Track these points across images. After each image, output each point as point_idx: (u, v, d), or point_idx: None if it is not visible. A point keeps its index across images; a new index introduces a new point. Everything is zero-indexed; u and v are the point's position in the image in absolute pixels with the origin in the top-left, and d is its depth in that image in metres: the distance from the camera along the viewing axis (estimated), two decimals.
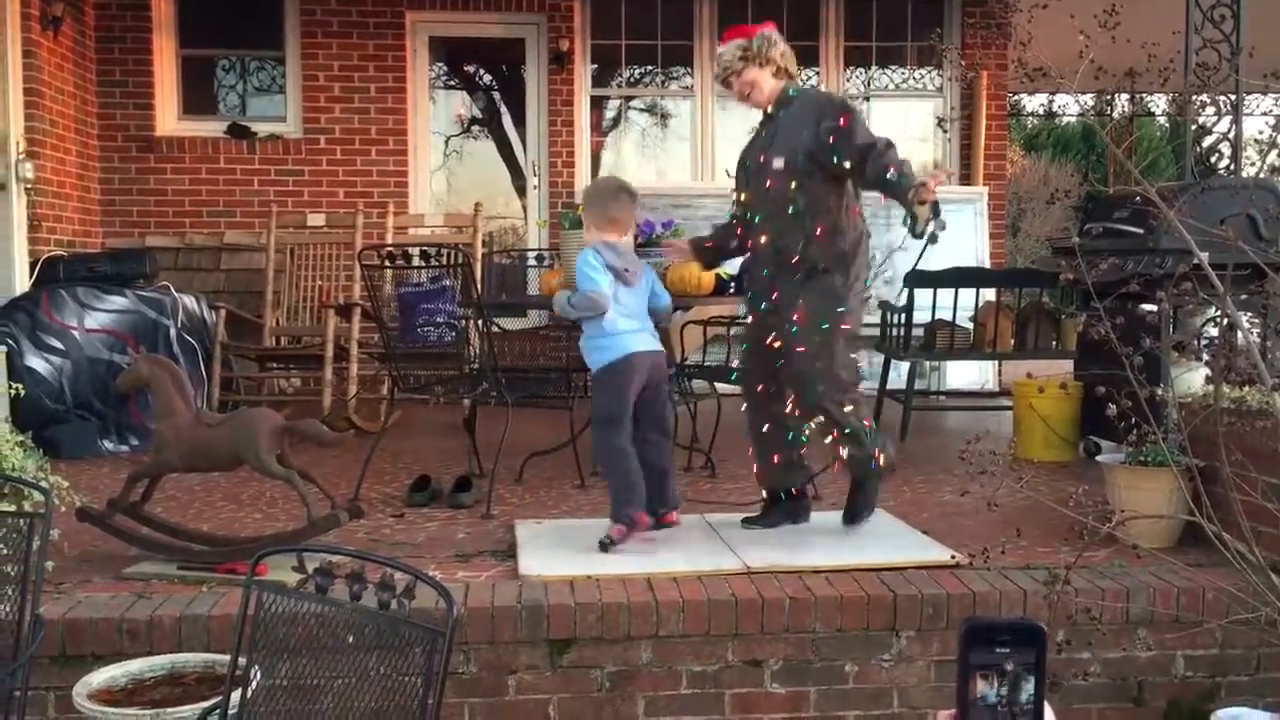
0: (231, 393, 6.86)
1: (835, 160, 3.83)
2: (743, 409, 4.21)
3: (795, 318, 3.91)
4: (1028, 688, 0.99)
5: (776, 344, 3.99)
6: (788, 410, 4.04)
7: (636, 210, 4.08)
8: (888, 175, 3.71)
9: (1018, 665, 0.98)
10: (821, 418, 3.95)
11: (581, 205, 4.12)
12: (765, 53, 3.95)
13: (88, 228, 7.95)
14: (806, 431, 4.02)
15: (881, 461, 4.04)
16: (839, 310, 3.91)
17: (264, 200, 8.11)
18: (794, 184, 3.89)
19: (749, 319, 4.20)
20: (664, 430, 4.07)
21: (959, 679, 0.99)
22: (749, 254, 4.22)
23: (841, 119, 3.83)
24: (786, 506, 4.20)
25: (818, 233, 3.89)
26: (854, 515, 4.12)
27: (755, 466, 4.20)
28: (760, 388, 4.10)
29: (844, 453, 4.00)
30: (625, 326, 3.93)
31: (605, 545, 3.82)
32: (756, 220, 4.01)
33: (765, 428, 4.11)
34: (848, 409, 3.96)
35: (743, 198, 4.09)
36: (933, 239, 3.68)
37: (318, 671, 2.45)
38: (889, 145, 3.79)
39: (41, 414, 5.69)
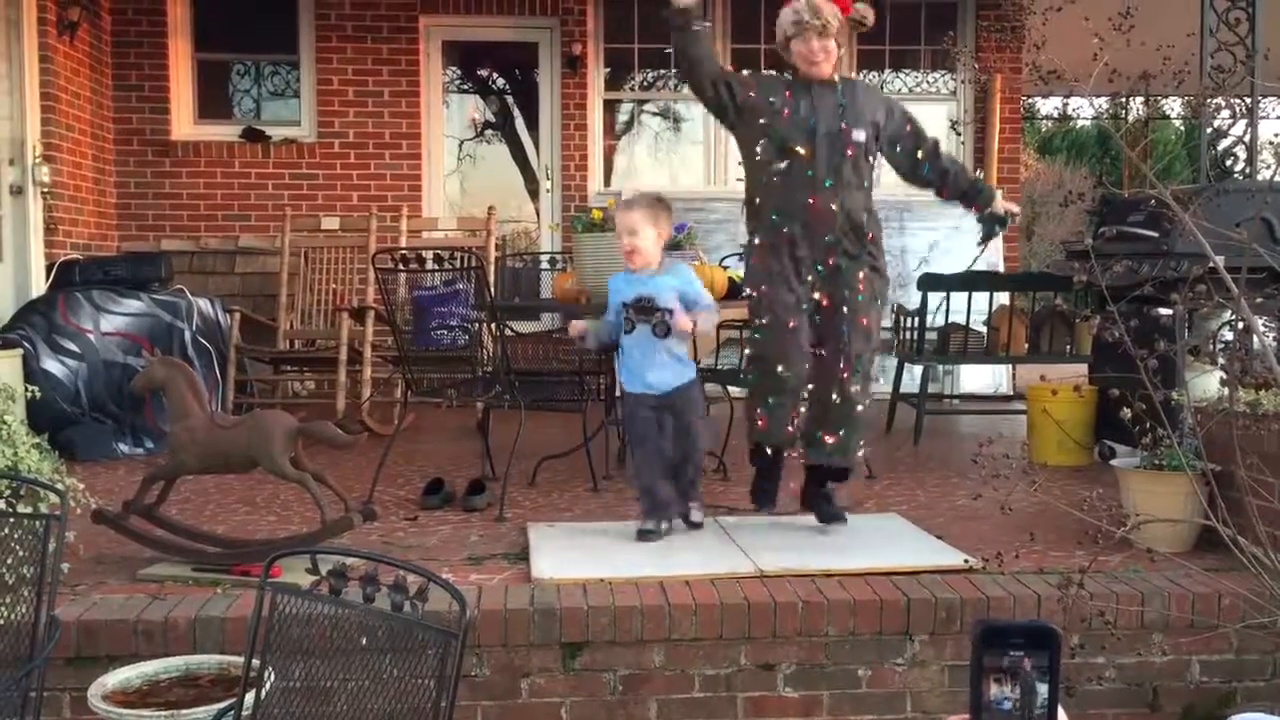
0: (246, 395, 6.88)
1: (906, 148, 4.12)
2: (778, 369, 3.98)
3: (861, 279, 4.01)
4: (1042, 691, 0.98)
5: (817, 297, 4.03)
6: (839, 369, 4.03)
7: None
8: (973, 177, 4.22)
9: (1031, 668, 0.98)
10: (857, 387, 4.03)
11: (647, 213, 4.02)
12: (866, 20, 4.09)
13: (103, 231, 7.99)
14: (847, 398, 4.04)
15: (861, 453, 4.17)
16: (883, 290, 4.14)
17: (278, 204, 8.14)
18: (869, 159, 4.05)
19: (780, 294, 4.01)
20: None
21: (972, 682, 0.99)
22: (795, 213, 4.00)
23: (903, 112, 4.16)
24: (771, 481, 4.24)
25: (875, 211, 4.09)
26: (834, 516, 4.15)
27: (764, 420, 4.06)
28: (810, 349, 4.05)
29: (837, 436, 4.08)
30: (627, 362, 4.12)
31: (642, 533, 4.03)
32: (827, 185, 3.97)
33: (809, 384, 4.06)
34: (871, 388, 4.11)
35: (800, 151, 3.95)
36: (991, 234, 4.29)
37: (331, 673, 2.46)
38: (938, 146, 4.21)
39: (57, 417, 5.71)
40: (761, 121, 4.02)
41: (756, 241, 4.09)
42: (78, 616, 3.23)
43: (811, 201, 3.96)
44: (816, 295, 4.02)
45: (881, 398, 5.45)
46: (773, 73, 4.29)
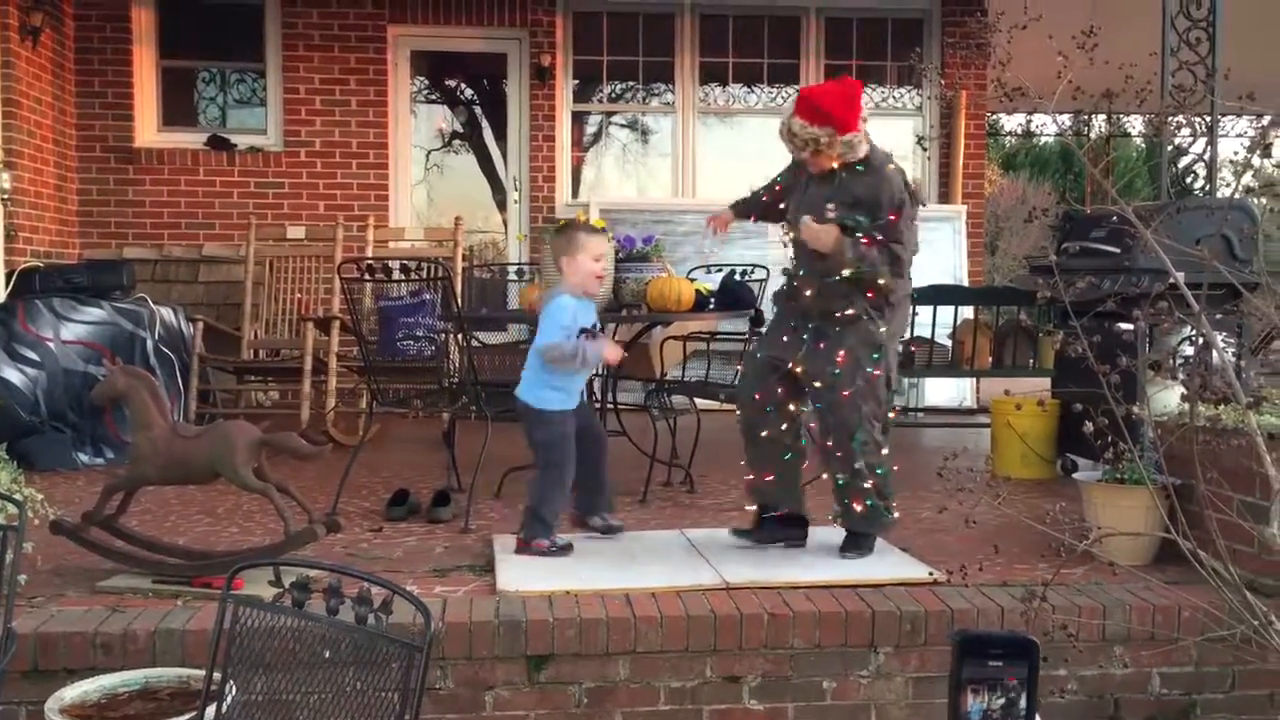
0: (208, 405, 6.82)
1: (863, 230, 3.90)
2: (738, 413, 4.14)
3: (839, 360, 3.90)
4: (1019, 702, 0.99)
5: (792, 367, 3.98)
6: (829, 446, 3.97)
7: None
8: (855, 256, 3.84)
9: (1010, 679, 0.98)
10: (861, 464, 3.92)
11: (557, 251, 4.11)
12: (844, 156, 3.90)
13: (65, 239, 7.91)
14: (842, 477, 3.96)
15: (895, 515, 4.06)
16: (875, 356, 3.94)
17: (243, 212, 8.09)
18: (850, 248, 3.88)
19: (772, 341, 4.10)
20: None
21: (951, 692, 1.00)
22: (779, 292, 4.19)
23: (891, 216, 3.88)
24: (779, 524, 4.13)
25: (869, 295, 3.93)
26: (850, 548, 4.02)
27: (748, 475, 4.18)
28: (758, 396, 4.06)
29: (865, 505, 3.95)
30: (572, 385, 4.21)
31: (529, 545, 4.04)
32: (803, 274, 3.99)
33: (760, 441, 4.07)
34: (885, 451, 3.98)
35: (789, 238, 4.10)
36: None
37: (294, 687, 2.44)
38: (904, 252, 3.93)
39: (16, 426, 5.64)
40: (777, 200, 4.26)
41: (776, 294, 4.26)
42: (35, 629, 3.18)
43: (796, 284, 4.05)
44: (792, 365, 3.99)
45: None
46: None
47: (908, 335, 6.31)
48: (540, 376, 4.12)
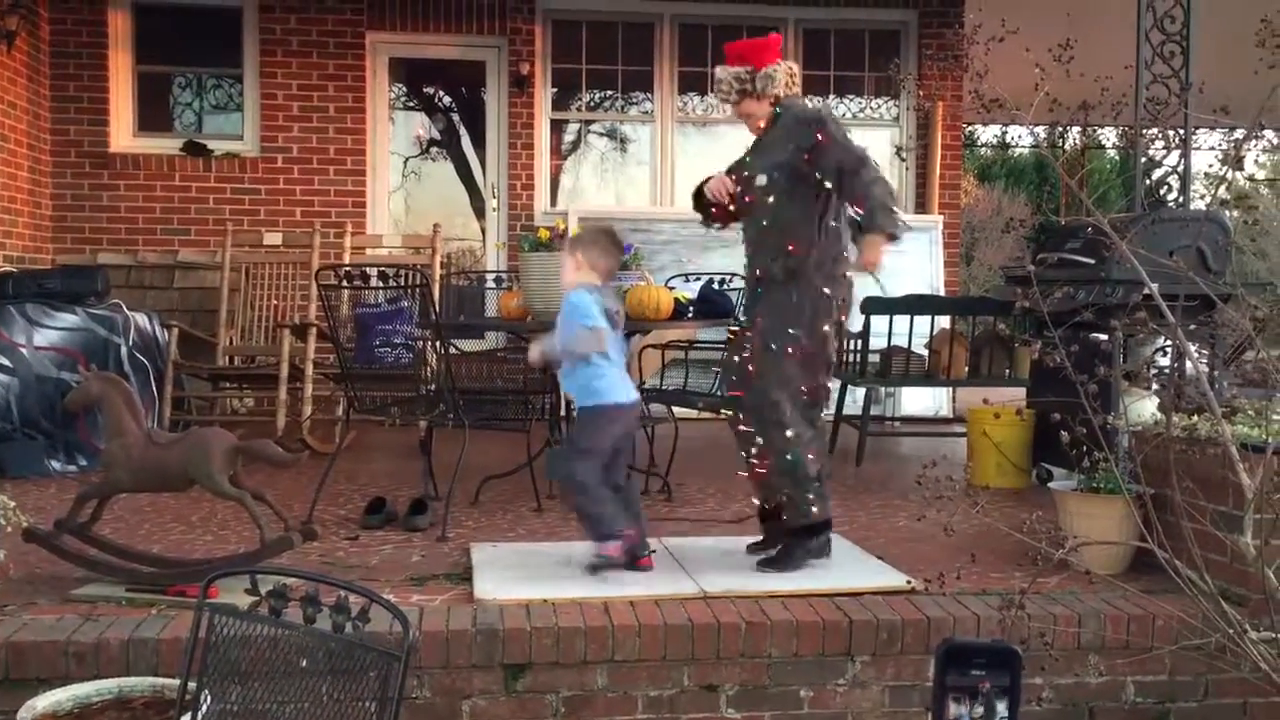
0: (183, 412, 6.78)
1: (819, 178, 3.84)
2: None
3: (749, 333, 3.92)
4: (1001, 710, 0.99)
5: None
6: (740, 431, 3.93)
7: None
8: (855, 210, 3.82)
9: (992, 687, 0.99)
10: (760, 440, 3.86)
11: (573, 245, 3.99)
12: (766, 90, 3.93)
13: (38, 244, 7.85)
14: (746, 453, 3.90)
15: (815, 511, 3.92)
16: (789, 331, 3.85)
17: (219, 218, 8.05)
18: (770, 199, 3.90)
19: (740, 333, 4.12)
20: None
21: (934, 701, 1.00)
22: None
23: (819, 134, 3.83)
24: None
25: (789, 249, 3.85)
26: (772, 564, 3.93)
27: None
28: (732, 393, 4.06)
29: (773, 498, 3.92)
30: (614, 372, 3.91)
31: (597, 567, 3.78)
32: (745, 231, 4.04)
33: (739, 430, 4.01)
34: (790, 434, 3.85)
35: (749, 200, 4.05)
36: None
37: (270, 696, 2.42)
38: (862, 166, 3.78)
39: None
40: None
41: None
42: (7, 637, 3.15)
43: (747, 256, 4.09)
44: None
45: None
46: None
47: (886, 344, 6.35)
48: (582, 375, 3.91)
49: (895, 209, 3.80)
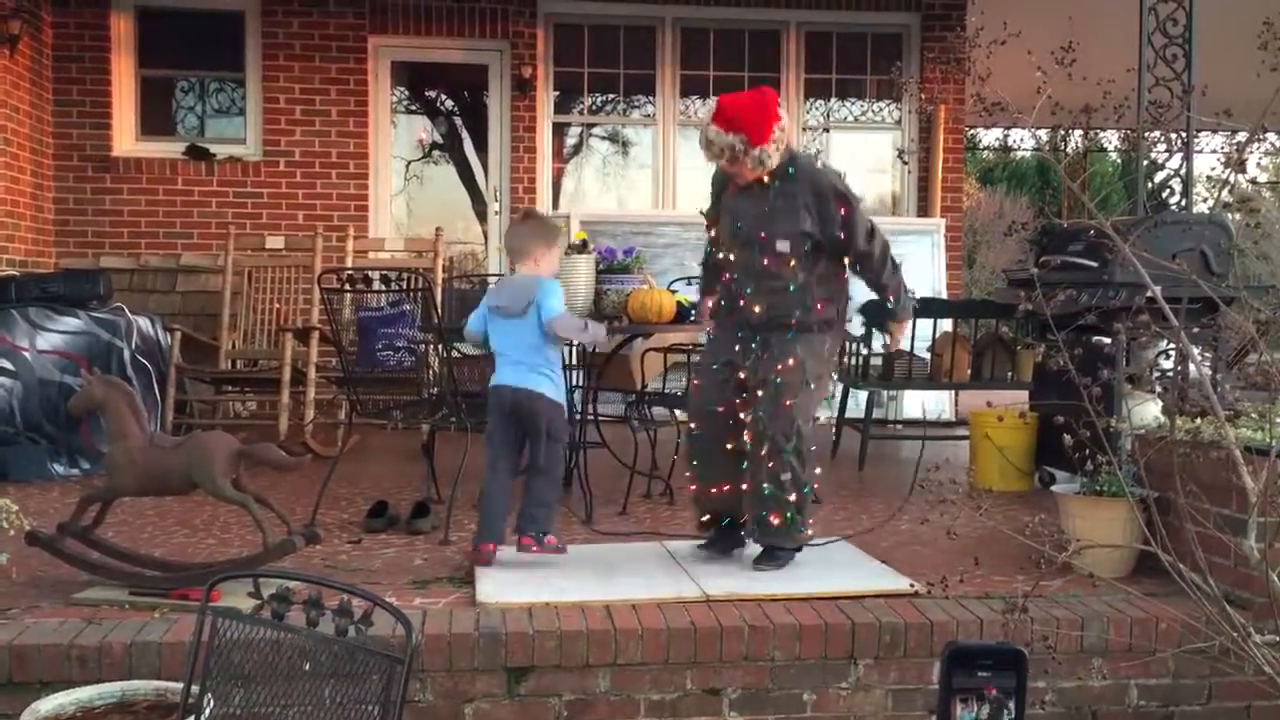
0: (186, 416, 6.78)
1: (839, 253, 3.99)
2: (691, 429, 4.13)
3: (780, 369, 3.90)
4: (1007, 712, 0.99)
5: (742, 376, 3.99)
6: (762, 455, 3.92)
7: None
8: (887, 299, 4.11)
9: (998, 690, 0.99)
10: (788, 475, 3.90)
11: (537, 238, 4.10)
12: (764, 162, 3.88)
13: (41, 248, 7.86)
14: (768, 487, 3.92)
15: (809, 534, 4.04)
16: (821, 371, 4.00)
17: (222, 222, 8.06)
18: (793, 264, 3.92)
19: (721, 349, 4.10)
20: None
21: (940, 703, 1.00)
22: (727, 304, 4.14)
23: (842, 210, 3.92)
24: (733, 529, 4.15)
25: (817, 307, 3.97)
26: (769, 560, 3.98)
27: (694, 488, 4.14)
28: (722, 409, 4.04)
29: (783, 518, 3.92)
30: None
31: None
32: (748, 291, 3.97)
33: (722, 453, 4.05)
34: (808, 462, 3.95)
35: (731, 257, 4.04)
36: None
37: (273, 699, 2.42)
38: (887, 257, 4.02)
39: None
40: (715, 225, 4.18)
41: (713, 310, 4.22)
42: (10, 641, 3.15)
43: (741, 303, 4.03)
44: (741, 373, 4.00)
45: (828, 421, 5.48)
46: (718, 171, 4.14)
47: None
48: (554, 367, 4.08)
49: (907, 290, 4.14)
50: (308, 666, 2.40)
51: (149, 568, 3.81)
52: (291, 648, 2.41)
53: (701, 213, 4.28)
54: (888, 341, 4.25)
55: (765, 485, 3.92)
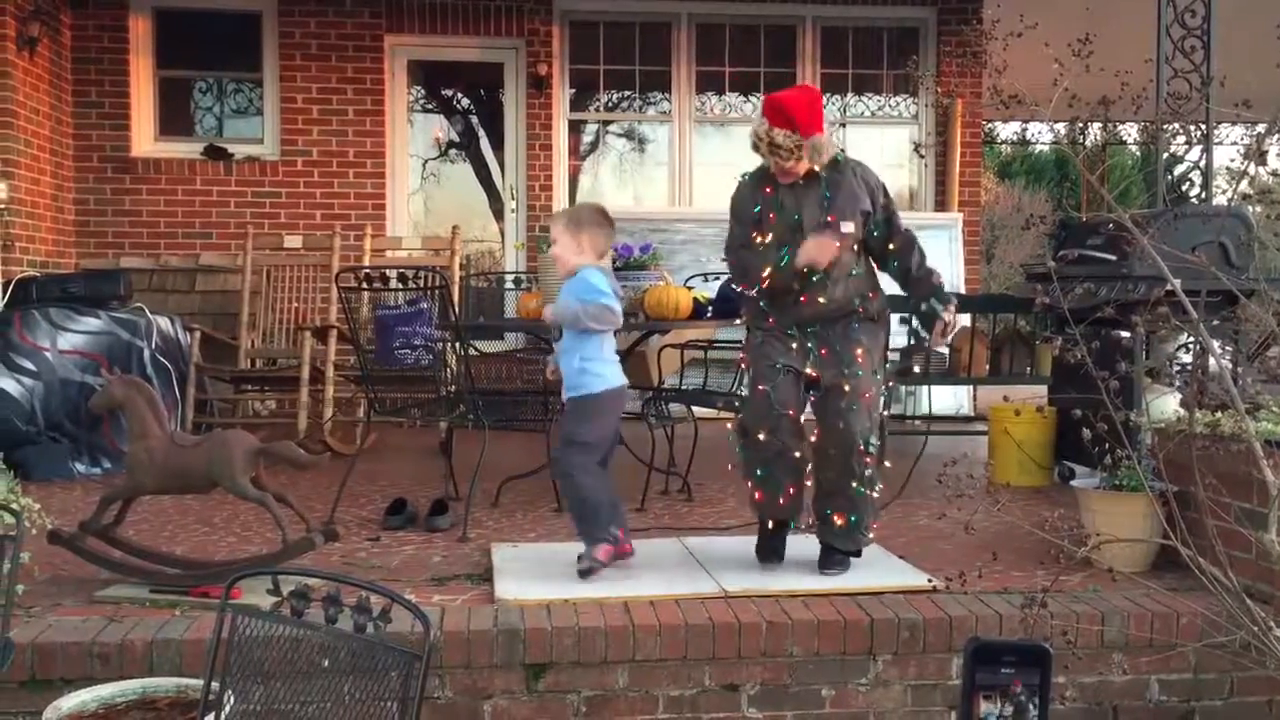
0: (206, 415, 6.81)
1: (876, 234, 3.99)
2: (759, 435, 3.87)
3: (858, 359, 3.86)
4: (1032, 709, 0.99)
5: (812, 373, 3.90)
6: (835, 453, 3.85)
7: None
8: (934, 281, 4.02)
9: (1022, 687, 0.98)
10: (867, 471, 3.84)
11: (568, 225, 3.94)
12: (818, 155, 3.86)
13: (62, 248, 7.91)
14: (847, 484, 3.85)
15: (871, 535, 3.99)
16: (880, 365, 3.99)
17: (240, 222, 8.09)
18: (855, 248, 3.95)
19: (775, 351, 3.93)
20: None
21: (963, 699, 1.00)
22: (783, 298, 3.96)
23: (884, 198, 4.01)
24: (784, 536, 4.06)
25: (871, 295, 4.01)
26: (836, 564, 3.93)
27: (760, 496, 3.98)
28: (793, 413, 3.90)
29: (847, 520, 3.87)
30: (614, 357, 3.94)
31: (586, 573, 3.77)
32: (815, 279, 3.88)
33: (793, 460, 3.90)
34: (879, 467, 3.92)
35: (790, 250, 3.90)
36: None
37: (292, 696, 2.43)
38: (918, 245, 4.06)
39: (12, 436, 5.63)
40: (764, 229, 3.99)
41: (748, 321, 4.11)
42: (33, 639, 3.18)
43: (803, 298, 3.91)
44: (809, 369, 3.90)
45: None
46: (746, 179, 4.06)
47: (906, 343, 6.33)
48: (587, 357, 3.87)
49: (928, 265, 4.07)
50: (326, 663, 2.41)
51: (169, 565, 3.84)
52: (311, 645, 2.42)
53: (739, 228, 4.03)
54: (941, 329, 3.97)
55: (839, 484, 3.86)
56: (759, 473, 3.94)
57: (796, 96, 3.90)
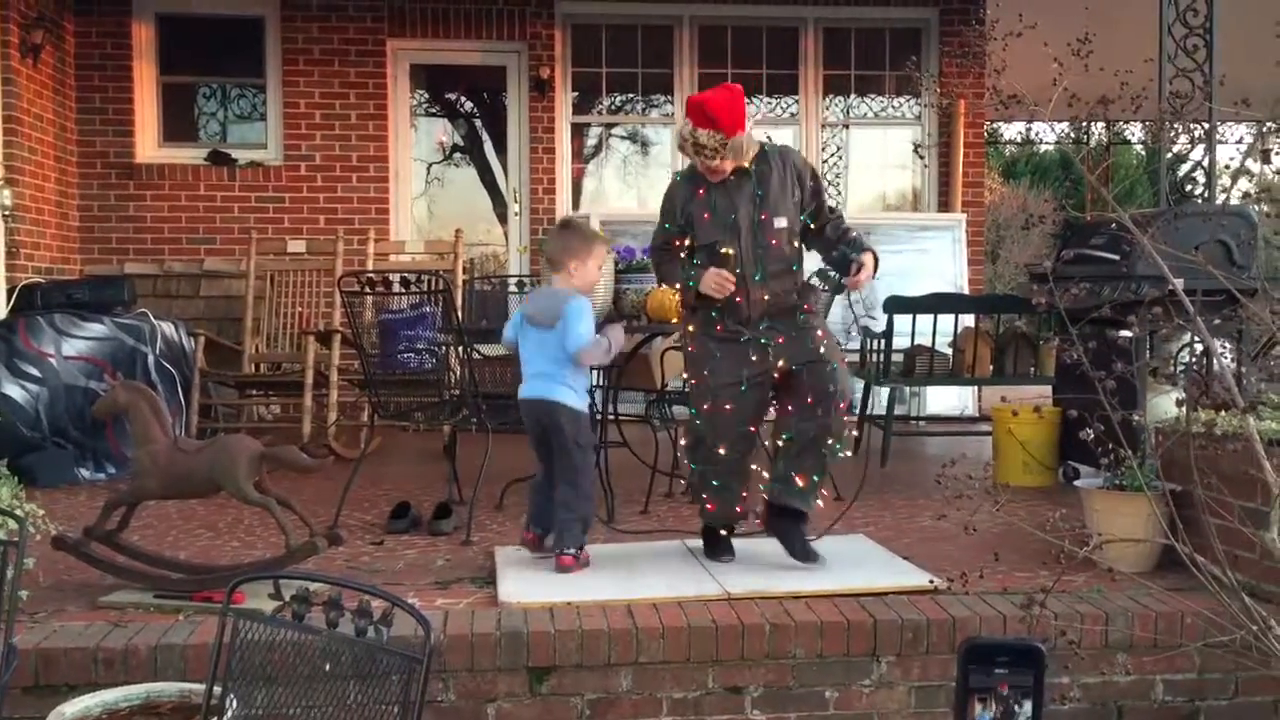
0: (210, 420, 6.83)
1: (812, 218, 4.07)
2: (719, 450, 3.94)
3: (819, 338, 3.97)
4: (1020, 710, 0.99)
5: (780, 365, 3.94)
6: (823, 416, 3.92)
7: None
8: (850, 235, 4.07)
9: (1012, 689, 0.98)
10: (833, 439, 3.95)
11: (570, 250, 4.06)
12: (742, 153, 3.89)
13: (66, 254, 7.93)
14: (836, 438, 3.97)
15: (820, 502, 4.06)
16: (837, 342, 4.12)
17: (244, 227, 8.11)
18: (795, 243, 4.01)
19: (734, 365, 3.95)
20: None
21: (956, 700, 1.00)
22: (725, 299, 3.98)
23: (811, 177, 4.07)
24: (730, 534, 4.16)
25: (808, 284, 4.10)
26: (806, 553, 4.00)
27: (714, 507, 4.05)
28: (753, 428, 3.99)
29: (809, 480, 3.95)
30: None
31: (568, 568, 3.92)
32: (756, 278, 3.92)
33: (746, 470, 4.02)
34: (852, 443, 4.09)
35: (730, 251, 3.93)
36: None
37: (295, 700, 2.44)
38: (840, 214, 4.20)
39: (17, 442, 5.65)
40: (696, 231, 4.02)
41: (691, 329, 4.05)
42: (36, 644, 3.18)
43: (740, 298, 3.93)
44: (769, 369, 3.94)
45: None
46: (678, 178, 4.11)
47: (909, 344, 6.33)
48: (576, 378, 4.06)
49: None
50: (329, 667, 2.41)
51: (173, 570, 3.84)
52: (313, 649, 2.43)
53: (665, 228, 4.08)
54: (856, 269, 3.92)
55: (818, 438, 3.94)
56: (715, 484, 4.02)
57: (717, 96, 3.91)
